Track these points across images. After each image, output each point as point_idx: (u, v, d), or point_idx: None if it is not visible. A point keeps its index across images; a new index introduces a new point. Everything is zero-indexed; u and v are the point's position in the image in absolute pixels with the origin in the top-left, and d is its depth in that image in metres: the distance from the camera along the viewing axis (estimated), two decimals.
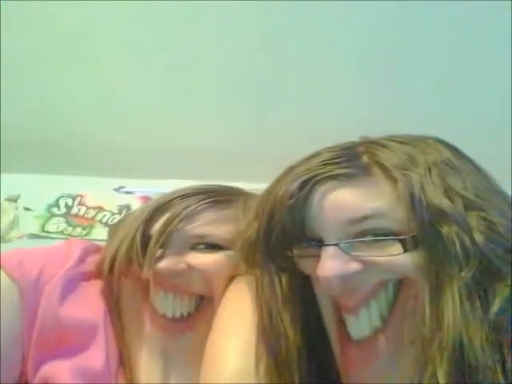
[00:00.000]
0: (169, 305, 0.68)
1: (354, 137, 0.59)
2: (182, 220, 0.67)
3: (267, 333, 0.56)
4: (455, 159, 0.54)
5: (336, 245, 0.51)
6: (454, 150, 0.56)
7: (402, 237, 0.49)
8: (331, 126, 1.21)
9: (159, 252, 0.66)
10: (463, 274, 0.47)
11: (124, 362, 0.67)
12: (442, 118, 1.43)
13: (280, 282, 0.57)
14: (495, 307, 0.47)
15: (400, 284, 0.52)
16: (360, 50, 1.40)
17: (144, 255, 0.66)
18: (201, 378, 0.57)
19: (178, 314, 0.69)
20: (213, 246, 0.68)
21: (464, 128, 1.26)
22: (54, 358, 0.65)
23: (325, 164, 0.53)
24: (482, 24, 1.32)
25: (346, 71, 1.45)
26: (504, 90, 1.38)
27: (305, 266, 0.56)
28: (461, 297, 0.47)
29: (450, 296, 0.47)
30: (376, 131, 0.59)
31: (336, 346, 0.56)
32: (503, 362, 0.47)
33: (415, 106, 1.47)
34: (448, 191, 0.50)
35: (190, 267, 0.67)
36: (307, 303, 0.57)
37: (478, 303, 0.47)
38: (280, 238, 0.53)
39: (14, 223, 1.55)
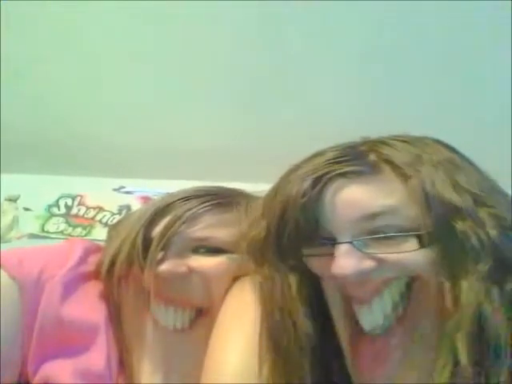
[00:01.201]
0: (170, 318, 0.68)
1: (354, 137, 0.59)
2: (183, 223, 0.66)
3: (274, 330, 0.55)
4: (457, 158, 0.54)
5: (350, 242, 0.50)
6: (452, 150, 0.57)
7: (418, 232, 0.49)
8: (331, 126, 1.21)
9: (160, 255, 0.66)
10: (480, 267, 0.47)
11: (124, 365, 0.67)
12: (442, 118, 1.43)
13: (290, 279, 0.56)
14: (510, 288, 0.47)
15: (413, 278, 0.52)
16: (360, 50, 1.40)
17: (145, 258, 0.65)
18: (202, 378, 0.57)
19: (179, 326, 0.68)
20: (214, 250, 0.67)
21: (464, 128, 1.26)
22: (55, 357, 0.65)
23: (332, 162, 0.53)
24: (482, 24, 1.32)
25: (346, 71, 1.45)
26: (504, 90, 1.38)
27: (315, 264, 0.55)
28: (477, 283, 0.47)
29: (466, 283, 0.47)
30: (376, 131, 0.59)
31: (346, 344, 0.56)
32: None
33: (415, 106, 1.47)
34: (456, 188, 0.50)
35: (191, 270, 0.66)
36: (314, 300, 0.57)
37: (494, 288, 0.47)
38: (293, 237, 0.53)
39: (13, 223, 1.55)
